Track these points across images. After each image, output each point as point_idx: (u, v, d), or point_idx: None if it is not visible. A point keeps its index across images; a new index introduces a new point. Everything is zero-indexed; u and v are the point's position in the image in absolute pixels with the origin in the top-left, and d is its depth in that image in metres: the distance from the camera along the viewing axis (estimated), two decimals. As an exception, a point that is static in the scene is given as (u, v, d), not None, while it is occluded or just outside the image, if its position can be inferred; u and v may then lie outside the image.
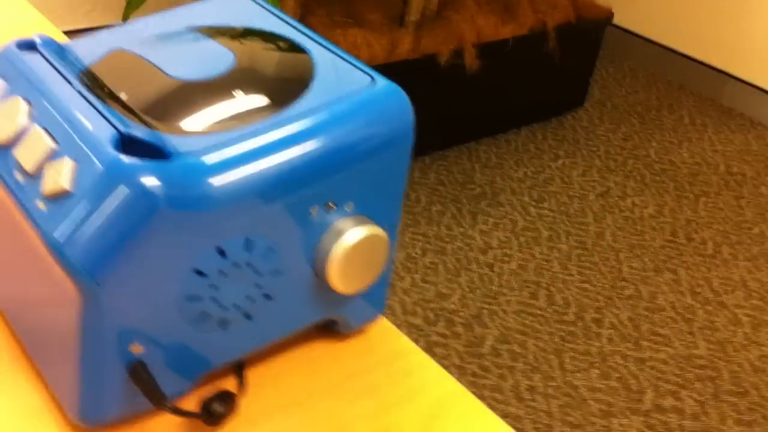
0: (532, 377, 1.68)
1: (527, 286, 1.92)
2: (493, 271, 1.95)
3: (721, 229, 2.20)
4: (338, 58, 0.49)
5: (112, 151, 0.40)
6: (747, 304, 1.95)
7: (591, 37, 2.49)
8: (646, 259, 2.05)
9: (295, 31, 0.52)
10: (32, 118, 0.43)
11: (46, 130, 0.42)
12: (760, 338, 1.86)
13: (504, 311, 1.84)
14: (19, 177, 0.42)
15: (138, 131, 0.41)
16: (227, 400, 0.44)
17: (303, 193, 0.44)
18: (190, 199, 0.40)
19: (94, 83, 0.45)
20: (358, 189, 0.46)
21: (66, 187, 0.40)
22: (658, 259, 2.06)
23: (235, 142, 0.42)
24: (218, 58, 0.48)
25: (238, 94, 0.45)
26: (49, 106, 0.43)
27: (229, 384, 0.49)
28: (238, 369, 0.49)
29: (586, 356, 1.75)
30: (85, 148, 0.40)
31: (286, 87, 0.46)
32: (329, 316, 0.50)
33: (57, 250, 0.39)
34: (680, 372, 1.74)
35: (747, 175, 2.47)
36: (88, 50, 0.49)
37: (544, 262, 2.00)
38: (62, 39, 0.78)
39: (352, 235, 0.45)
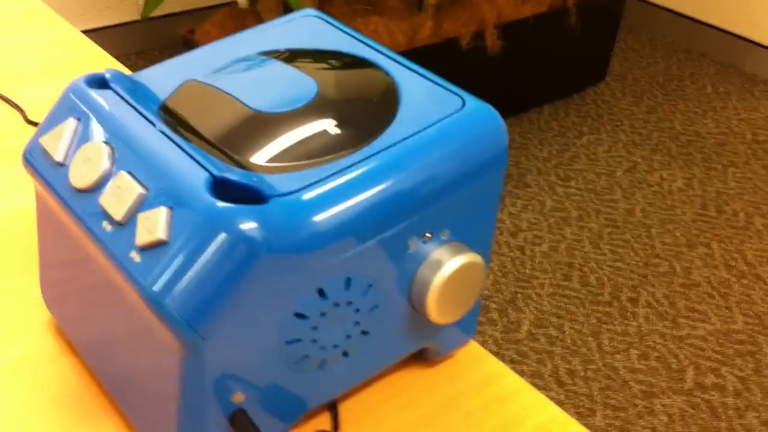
0: (570, 361, 1.67)
1: (560, 268, 1.90)
2: (524, 254, 1.93)
3: (752, 200, 2.18)
4: (423, 79, 0.47)
5: (208, 197, 0.38)
6: (783, 276, 1.93)
7: (611, 10, 2.45)
8: (678, 234, 2.03)
9: (372, 50, 0.50)
10: (114, 161, 0.42)
11: (132, 175, 0.41)
12: (799, 310, 1.84)
13: (538, 294, 1.82)
14: (107, 226, 0.40)
15: (232, 174, 0.39)
16: (330, 442, 0.43)
17: (401, 225, 0.42)
18: (291, 243, 0.38)
19: (173, 120, 0.44)
20: (454, 215, 0.44)
21: (163, 237, 0.38)
22: (691, 233, 2.04)
23: (331, 179, 0.40)
24: (299, 86, 0.46)
25: (325, 125, 0.43)
26: (132, 149, 0.41)
27: (323, 421, 0.47)
28: (332, 407, 0.47)
29: (624, 336, 1.73)
30: (177, 194, 0.39)
31: (373, 114, 0.44)
32: (422, 346, 0.48)
33: (156, 304, 0.38)
34: (720, 348, 1.72)
35: (774, 143, 2.43)
36: (159, 82, 0.47)
37: (575, 242, 1.98)
38: (80, 39, 0.76)
39: (450, 265, 0.43)
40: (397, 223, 0.42)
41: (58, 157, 0.44)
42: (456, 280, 0.44)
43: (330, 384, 0.45)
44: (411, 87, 0.46)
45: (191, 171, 0.39)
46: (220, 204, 0.38)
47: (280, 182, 0.40)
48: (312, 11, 0.54)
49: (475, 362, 0.52)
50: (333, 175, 0.40)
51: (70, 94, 0.45)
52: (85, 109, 0.44)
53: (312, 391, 0.44)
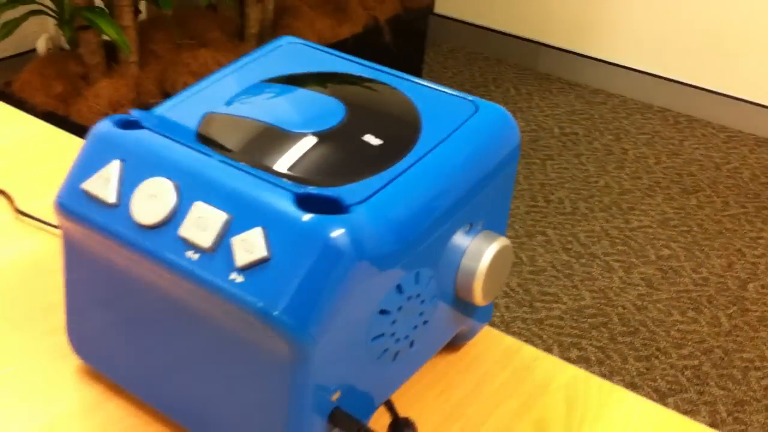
0: (447, 358, 1.75)
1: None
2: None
3: (572, 187, 2.37)
4: (431, 90, 0.51)
5: (299, 212, 0.41)
6: (614, 250, 2.12)
7: (417, 26, 2.58)
8: (517, 227, 2.17)
9: (366, 68, 0.54)
10: (181, 194, 0.43)
11: (209, 204, 0.42)
12: (633, 279, 2.03)
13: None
14: (193, 255, 0.42)
15: (311, 189, 0.42)
16: (411, 426, 0.46)
17: (452, 219, 0.46)
18: (377, 244, 0.42)
19: (220, 149, 0.46)
20: (484, 206, 0.49)
21: (265, 254, 0.40)
22: (527, 224, 2.19)
23: (392, 185, 0.44)
24: (325, 106, 0.49)
25: (366, 139, 0.47)
26: (200, 180, 0.43)
27: (376, 416, 0.50)
28: (386, 401, 0.50)
29: (490, 326, 1.84)
30: (266, 214, 0.41)
31: (403, 125, 0.48)
32: (460, 329, 0.53)
33: (267, 316, 0.40)
34: (576, 324, 1.87)
35: (579, 134, 2.66)
36: (178, 118, 0.49)
37: (427, 247, 2.07)
38: None
39: (490, 251, 0.48)
40: (450, 218, 0.46)
41: (111, 198, 0.44)
42: (494, 264, 0.49)
43: (399, 374, 0.48)
44: (423, 98, 0.51)
45: (272, 191, 0.42)
46: (313, 217, 0.40)
47: (348, 193, 0.43)
48: (291, 38, 0.57)
49: (493, 341, 0.57)
50: (392, 181, 0.44)
51: (104, 138, 0.46)
52: (128, 149, 0.45)
53: (386, 383, 0.47)
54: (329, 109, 0.49)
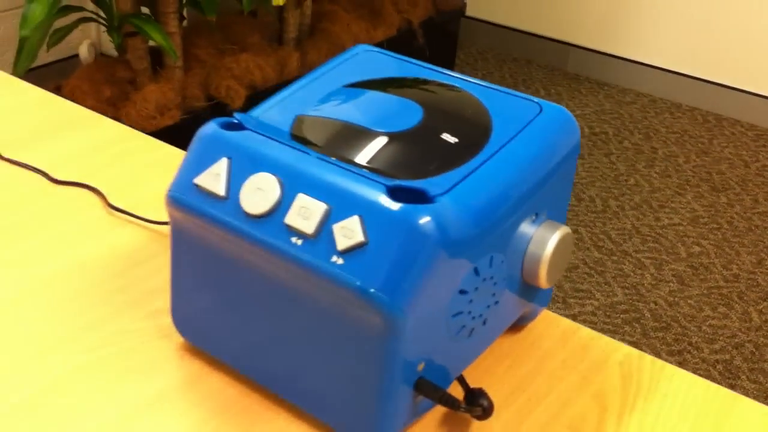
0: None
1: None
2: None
3: (603, 186, 2.41)
4: (498, 93, 0.57)
5: (393, 202, 0.46)
6: (645, 248, 2.16)
7: (449, 28, 2.64)
8: (548, 225, 2.22)
9: (437, 73, 0.59)
10: (284, 187, 0.49)
11: (310, 196, 0.48)
12: (665, 276, 2.07)
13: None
14: (297, 241, 0.47)
15: (401, 182, 0.48)
16: (485, 396, 0.52)
17: (521, 210, 0.52)
18: (460, 230, 0.47)
19: (313, 147, 0.51)
20: (549, 198, 0.54)
21: (363, 239, 0.46)
22: (559, 222, 2.23)
23: (471, 178, 0.49)
24: (404, 108, 0.55)
25: (444, 137, 0.52)
26: (301, 175, 0.49)
27: (452, 392, 0.56)
28: (459, 377, 0.56)
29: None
30: (362, 204, 0.47)
31: (476, 124, 0.54)
32: (524, 310, 0.58)
33: (364, 293, 0.45)
34: (608, 319, 1.91)
35: (609, 133, 2.70)
36: (272, 120, 0.54)
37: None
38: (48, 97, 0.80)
39: (554, 239, 0.53)
40: (519, 208, 0.51)
41: (221, 192, 0.50)
42: (557, 250, 0.54)
43: (473, 350, 0.53)
44: (492, 99, 0.56)
45: (366, 184, 0.47)
46: (404, 206, 0.46)
47: (432, 185, 0.48)
48: (366, 46, 0.63)
49: (551, 323, 0.62)
50: (469, 175, 0.49)
51: (212, 139, 0.52)
52: (235, 148, 0.51)
53: (462, 358, 0.53)
54: (407, 110, 0.54)
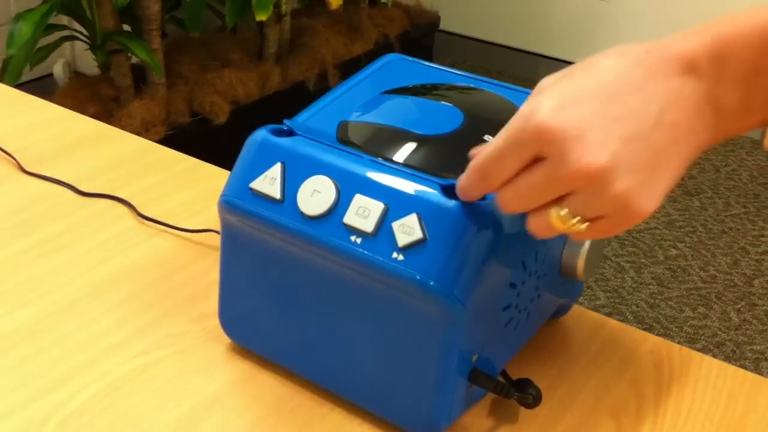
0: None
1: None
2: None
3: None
4: (524, 94, 0.59)
5: (449, 201, 0.48)
6: (624, 252, 2.21)
7: (425, 42, 2.68)
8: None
9: (467, 78, 0.62)
10: (341, 189, 0.51)
11: (367, 196, 0.50)
12: (645, 279, 2.11)
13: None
14: (356, 239, 0.50)
15: (455, 181, 0.50)
16: (533, 385, 0.54)
17: (562, 206, 0.54)
18: (509, 228, 0.49)
19: (363, 150, 0.53)
20: (584, 196, 0.57)
21: (422, 236, 0.48)
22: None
23: (516, 176, 0.52)
24: (445, 112, 0.57)
25: (485, 139, 0.55)
26: (357, 177, 0.51)
27: (501, 378, 0.58)
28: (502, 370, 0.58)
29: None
30: (418, 202, 0.49)
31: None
32: (561, 302, 0.61)
33: (425, 287, 0.47)
34: (593, 322, 1.95)
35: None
36: (318, 126, 0.57)
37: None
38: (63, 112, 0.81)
39: (591, 233, 0.56)
40: (561, 204, 0.54)
41: (277, 195, 0.52)
42: (594, 243, 0.57)
43: (517, 342, 0.56)
44: (522, 101, 0.59)
45: (421, 183, 0.50)
46: (459, 203, 0.48)
47: (481, 184, 0.51)
48: (397, 55, 0.65)
49: (581, 316, 0.65)
50: (515, 174, 0.52)
51: (265, 145, 0.54)
52: (289, 153, 0.53)
53: (509, 349, 0.55)
54: (448, 114, 0.57)
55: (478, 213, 0.48)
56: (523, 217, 0.50)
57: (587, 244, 0.56)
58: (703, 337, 1.94)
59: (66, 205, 0.75)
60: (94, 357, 0.58)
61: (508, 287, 0.52)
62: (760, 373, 1.81)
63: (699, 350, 1.88)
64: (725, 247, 2.27)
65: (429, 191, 0.49)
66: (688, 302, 2.05)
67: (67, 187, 0.77)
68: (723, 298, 2.08)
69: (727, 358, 1.88)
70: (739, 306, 2.06)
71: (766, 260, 2.23)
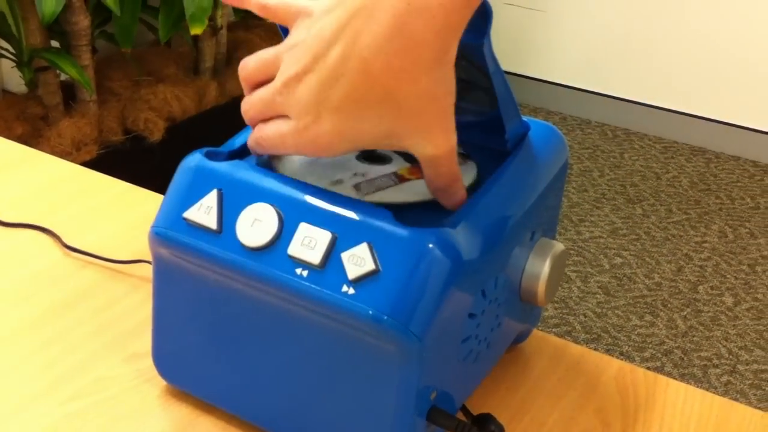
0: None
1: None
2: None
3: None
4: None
5: (402, 229, 0.45)
6: (569, 261, 2.20)
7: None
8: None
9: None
10: (284, 217, 0.47)
11: (313, 225, 0.46)
12: (591, 288, 2.10)
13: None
14: (303, 272, 0.45)
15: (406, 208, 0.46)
16: (495, 422, 0.51)
17: (521, 232, 0.51)
18: (469, 255, 0.46)
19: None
20: (542, 216, 0.54)
21: (374, 267, 0.44)
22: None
23: (477, 206, 0.48)
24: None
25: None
26: (301, 204, 0.47)
27: (460, 413, 0.54)
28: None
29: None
30: (369, 231, 0.45)
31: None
32: (521, 329, 0.57)
33: (378, 322, 0.43)
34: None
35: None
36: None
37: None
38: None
39: (552, 255, 0.53)
40: (520, 231, 0.51)
41: (214, 225, 0.48)
42: (554, 267, 0.54)
43: (477, 375, 0.52)
44: (479, 118, 0.55)
45: (372, 210, 0.46)
46: (415, 231, 0.45)
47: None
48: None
49: (541, 342, 0.61)
50: (475, 203, 0.48)
51: (199, 170, 0.49)
52: (225, 179, 0.49)
53: (468, 383, 0.51)
54: (397, 134, 0.53)
55: (434, 240, 0.44)
56: (483, 241, 0.47)
57: (548, 266, 0.53)
58: (650, 345, 1.94)
59: (-15, 237, 0.69)
60: (15, 407, 0.53)
61: (467, 318, 0.48)
62: (708, 380, 1.81)
63: (647, 359, 1.87)
64: (669, 254, 2.28)
65: (380, 218, 0.45)
66: (634, 310, 2.05)
67: (-14, 217, 0.71)
68: (669, 305, 2.08)
69: (676, 366, 1.88)
70: (685, 313, 2.06)
71: (710, 266, 2.24)
